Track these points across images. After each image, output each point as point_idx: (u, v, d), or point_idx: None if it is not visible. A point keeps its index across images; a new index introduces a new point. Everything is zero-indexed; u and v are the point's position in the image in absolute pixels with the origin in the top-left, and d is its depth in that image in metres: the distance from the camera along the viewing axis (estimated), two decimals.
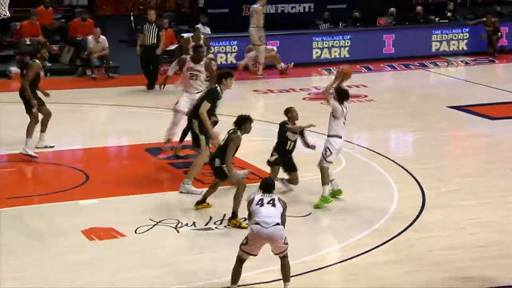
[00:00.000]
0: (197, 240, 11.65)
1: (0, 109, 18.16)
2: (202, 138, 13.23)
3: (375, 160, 15.27)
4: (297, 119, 13.34)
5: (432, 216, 12.55)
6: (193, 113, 13.39)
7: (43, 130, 15.66)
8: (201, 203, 12.61)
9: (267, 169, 13.56)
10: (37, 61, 15.34)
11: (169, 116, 15.48)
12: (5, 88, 20.97)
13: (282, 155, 13.28)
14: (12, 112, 17.30)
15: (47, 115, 15.59)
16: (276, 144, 13.41)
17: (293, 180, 13.40)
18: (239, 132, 12.07)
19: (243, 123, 12.07)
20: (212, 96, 13.21)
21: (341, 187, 13.13)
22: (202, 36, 21.07)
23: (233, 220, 11.97)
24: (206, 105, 13.12)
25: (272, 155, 13.34)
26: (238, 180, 12.13)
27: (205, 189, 12.83)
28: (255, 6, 23.18)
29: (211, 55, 21.19)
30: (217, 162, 12.14)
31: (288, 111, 13.36)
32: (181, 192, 13.27)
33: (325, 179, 12.84)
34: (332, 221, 12.82)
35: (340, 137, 12.86)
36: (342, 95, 12.87)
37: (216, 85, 13.32)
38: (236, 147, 12.09)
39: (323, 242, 11.94)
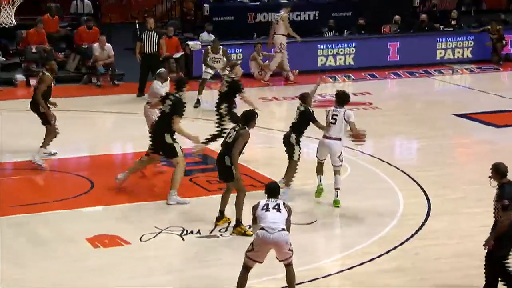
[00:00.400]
0: (202, 248, 11.64)
1: (5, 117, 18.19)
2: (175, 145, 13.16)
3: (380, 168, 15.25)
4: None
5: (438, 224, 12.53)
6: (162, 126, 13.19)
7: None
8: (220, 218, 12.31)
9: (271, 176, 13.57)
10: (47, 73, 15.26)
11: None
12: (11, 96, 21.00)
13: (300, 138, 13.38)
14: (17, 119, 17.33)
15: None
16: (300, 128, 13.33)
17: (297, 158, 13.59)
18: (247, 128, 12.07)
19: (250, 119, 12.06)
20: (181, 109, 13.13)
21: (346, 194, 13.16)
22: (221, 47, 20.86)
23: (237, 228, 11.95)
24: (178, 120, 13.04)
25: (291, 145, 13.26)
26: (240, 186, 12.10)
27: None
28: (280, 13, 23.14)
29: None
30: (227, 160, 11.96)
31: (307, 97, 13.42)
32: (168, 204, 13.13)
33: (317, 171, 13.28)
34: (337, 228, 12.83)
35: (328, 137, 13.00)
36: (336, 98, 13.18)
37: (178, 94, 13.25)
38: (244, 143, 12.06)
39: (328, 249, 11.92)
